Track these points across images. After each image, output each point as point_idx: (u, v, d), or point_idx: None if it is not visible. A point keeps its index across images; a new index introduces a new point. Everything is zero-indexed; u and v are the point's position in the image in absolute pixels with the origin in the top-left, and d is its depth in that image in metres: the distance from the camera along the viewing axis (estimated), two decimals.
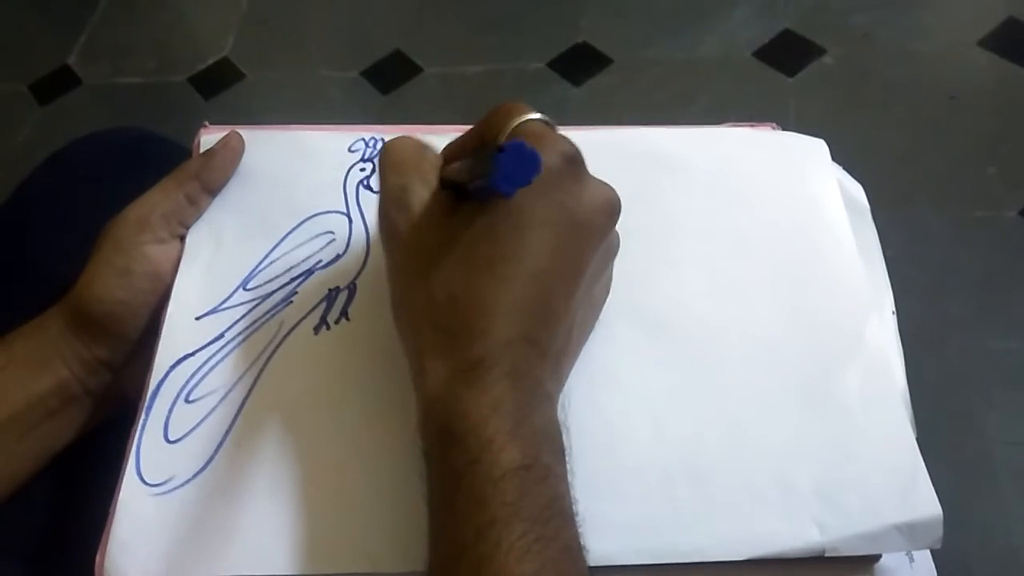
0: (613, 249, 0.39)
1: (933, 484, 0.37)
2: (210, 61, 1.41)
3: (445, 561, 0.31)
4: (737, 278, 0.43)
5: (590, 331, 0.40)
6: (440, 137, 0.41)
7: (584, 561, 0.32)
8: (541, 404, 0.34)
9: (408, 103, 1.29)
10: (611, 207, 0.37)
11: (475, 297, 0.34)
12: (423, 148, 0.39)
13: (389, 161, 0.38)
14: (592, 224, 0.36)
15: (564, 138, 0.35)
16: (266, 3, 1.49)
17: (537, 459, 0.31)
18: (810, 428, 0.39)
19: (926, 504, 0.36)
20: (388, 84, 1.33)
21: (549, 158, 0.33)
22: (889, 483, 0.37)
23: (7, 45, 1.51)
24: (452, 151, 0.39)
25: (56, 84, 1.41)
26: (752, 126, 0.49)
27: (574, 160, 0.35)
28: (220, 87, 1.37)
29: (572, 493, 0.33)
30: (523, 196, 0.33)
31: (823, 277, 0.43)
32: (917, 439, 0.39)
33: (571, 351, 0.38)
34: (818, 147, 0.48)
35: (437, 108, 1.28)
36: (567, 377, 0.38)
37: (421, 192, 0.37)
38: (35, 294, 0.47)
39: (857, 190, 0.47)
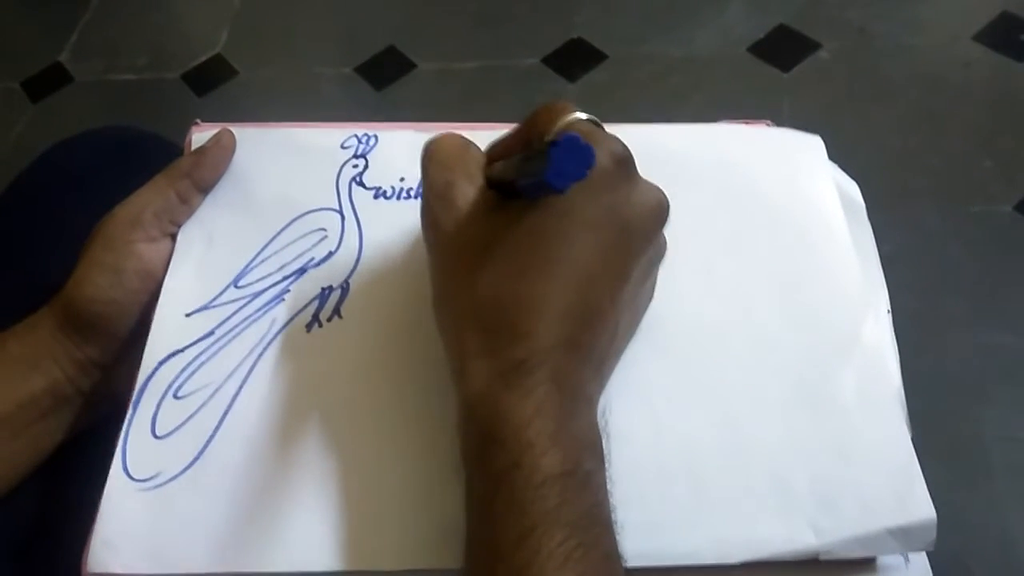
0: (660, 253, 0.38)
1: (928, 480, 0.37)
2: (203, 58, 1.41)
3: (483, 565, 0.30)
4: (733, 276, 0.43)
5: (632, 335, 0.39)
6: (474, 133, 0.40)
7: (622, 570, 0.31)
8: (582, 409, 0.33)
9: (402, 99, 1.29)
10: (660, 210, 0.36)
11: (520, 298, 0.33)
12: (468, 145, 0.38)
13: (433, 157, 0.38)
14: (640, 227, 0.35)
15: (614, 138, 0.34)
16: (259, 0, 1.49)
17: (578, 465, 0.31)
18: (806, 429, 0.39)
19: (921, 508, 0.36)
20: (382, 80, 1.33)
21: (599, 159, 0.32)
22: (885, 486, 0.37)
23: None
24: (497, 151, 0.39)
25: (48, 81, 1.41)
26: (747, 123, 0.49)
27: (624, 161, 0.34)
28: (213, 84, 1.37)
29: (611, 501, 0.33)
30: (572, 196, 0.32)
31: (819, 275, 0.43)
32: (913, 437, 0.39)
33: (613, 355, 0.37)
34: (814, 144, 0.48)
35: (431, 104, 1.28)
36: (607, 381, 0.37)
37: (466, 188, 0.36)
38: (27, 294, 0.46)
39: (852, 188, 0.47)
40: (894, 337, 0.43)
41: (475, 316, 0.34)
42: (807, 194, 0.46)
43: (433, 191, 0.37)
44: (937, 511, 0.36)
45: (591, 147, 0.30)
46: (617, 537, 0.32)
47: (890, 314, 0.44)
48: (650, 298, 0.40)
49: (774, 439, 0.38)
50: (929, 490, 0.37)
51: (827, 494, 0.37)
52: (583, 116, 0.35)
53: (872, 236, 0.46)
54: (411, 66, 1.33)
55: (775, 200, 0.46)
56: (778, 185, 0.46)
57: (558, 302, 0.33)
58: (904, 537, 0.36)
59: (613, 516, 0.32)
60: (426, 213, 0.37)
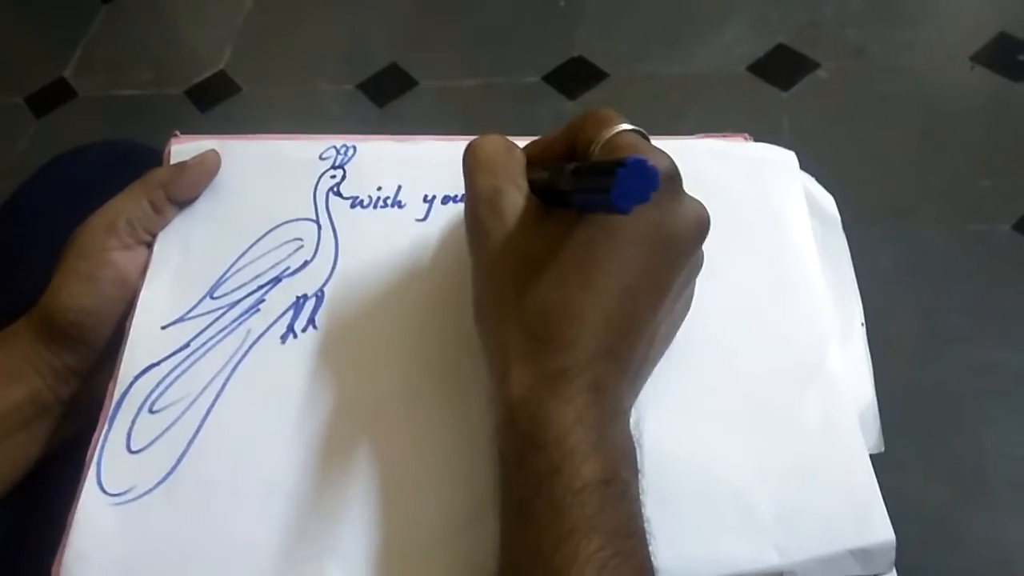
0: (697, 267, 0.38)
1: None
2: (207, 74, 1.41)
3: (519, 567, 0.31)
4: (702, 297, 0.42)
5: (667, 347, 0.39)
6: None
7: None
8: (619, 419, 0.34)
9: (403, 116, 1.30)
10: (702, 227, 0.36)
11: (566, 308, 0.34)
12: (511, 147, 0.38)
13: (478, 159, 0.38)
14: (683, 243, 0.35)
15: (663, 154, 0.34)
16: (263, 17, 1.50)
17: (617, 474, 0.32)
18: (770, 451, 0.39)
19: (880, 530, 0.36)
20: (384, 97, 1.33)
21: None
22: (845, 508, 0.37)
23: (3, 58, 1.52)
24: (537, 152, 0.39)
25: (52, 97, 1.42)
26: (724, 137, 0.49)
27: (673, 178, 0.34)
28: (217, 100, 1.38)
29: (644, 512, 0.33)
30: None
31: (785, 299, 0.43)
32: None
33: (649, 365, 0.38)
34: (787, 160, 0.48)
35: (432, 121, 1.28)
36: (640, 391, 0.38)
37: (513, 195, 0.36)
38: (21, 308, 0.46)
39: (827, 200, 0.47)
40: (868, 350, 0.43)
41: (521, 324, 0.34)
42: (776, 214, 0.46)
43: (481, 198, 0.37)
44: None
45: (657, 171, 0.30)
46: (651, 550, 0.32)
47: (864, 326, 0.44)
48: (687, 309, 0.40)
49: (740, 459, 0.38)
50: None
51: (789, 515, 0.37)
52: (630, 127, 0.35)
53: (847, 248, 0.46)
54: (412, 83, 1.34)
55: (745, 220, 0.45)
56: (748, 204, 0.46)
57: (601, 314, 0.33)
58: (865, 558, 0.36)
59: (647, 527, 0.33)
60: (474, 221, 0.37)
